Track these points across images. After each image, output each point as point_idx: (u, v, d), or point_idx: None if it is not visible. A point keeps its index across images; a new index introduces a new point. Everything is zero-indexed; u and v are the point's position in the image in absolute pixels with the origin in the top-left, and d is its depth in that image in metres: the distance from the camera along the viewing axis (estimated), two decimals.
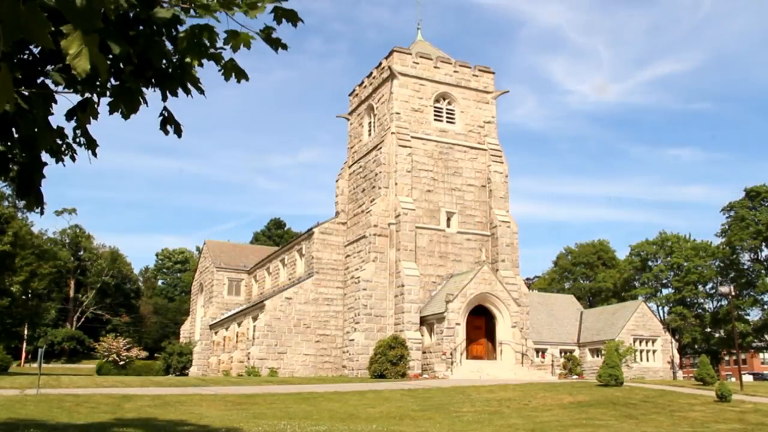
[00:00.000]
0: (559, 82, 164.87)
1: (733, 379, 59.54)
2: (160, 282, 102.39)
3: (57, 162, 3.87)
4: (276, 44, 3.68)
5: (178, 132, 4.03)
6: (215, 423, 15.89)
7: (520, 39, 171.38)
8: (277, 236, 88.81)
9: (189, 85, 3.78)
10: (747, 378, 56.54)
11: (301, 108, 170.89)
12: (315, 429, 15.01)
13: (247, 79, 3.90)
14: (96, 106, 3.59)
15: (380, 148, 40.57)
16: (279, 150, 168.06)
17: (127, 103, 3.51)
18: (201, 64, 3.67)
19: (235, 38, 3.46)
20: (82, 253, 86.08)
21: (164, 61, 3.48)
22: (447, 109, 42.80)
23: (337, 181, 46.43)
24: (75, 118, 3.56)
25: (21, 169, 3.49)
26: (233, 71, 3.82)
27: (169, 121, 3.94)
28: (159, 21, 3.15)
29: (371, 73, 44.75)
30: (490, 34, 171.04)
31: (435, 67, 42.69)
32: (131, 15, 3.10)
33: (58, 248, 77.03)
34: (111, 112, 3.58)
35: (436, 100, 42.48)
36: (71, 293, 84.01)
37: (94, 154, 3.80)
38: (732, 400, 23.04)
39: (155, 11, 3.12)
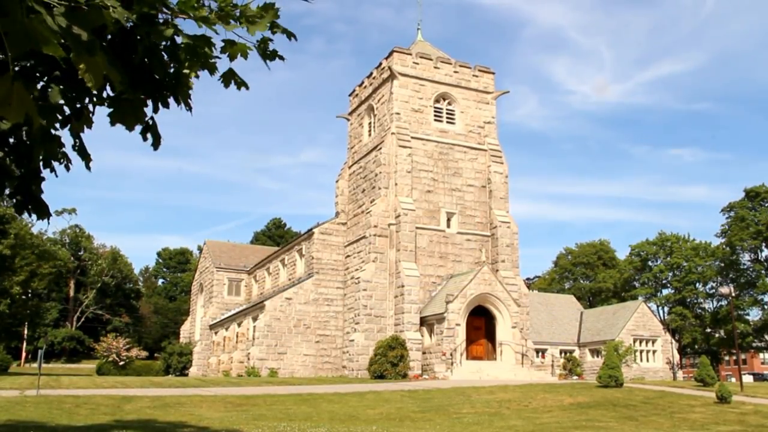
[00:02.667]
0: (561, 83, 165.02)
1: (733, 380, 59.54)
2: (160, 282, 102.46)
3: (50, 171, 3.84)
4: (272, 57, 3.67)
5: (156, 144, 3.94)
6: (215, 425, 15.88)
7: (522, 39, 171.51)
8: (277, 236, 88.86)
9: (179, 97, 3.76)
10: (747, 378, 56.53)
11: (303, 108, 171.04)
12: (315, 431, 15.01)
13: (247, 87, 3.88)
14: (91, 114, 3.57)
15: (380, 148, 40.55)
16: (280, 150, 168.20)
17: (131, 115, 3.49)
18: (197, 75, 3.67)
19: (232, 47, 3.45)
20: (82, 253, 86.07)
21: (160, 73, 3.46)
22: (447, 109, 42.78)
23: (337, 181, 46.42)
24: (69, 126, 3.55)
25: (19, 182, 3.47)
26: (232, 79, 3.81)
27: (150, 130, 3.88)
28: (159, 35, 3.15)
29: (371, 74, 44.74)
30: (491, 34, 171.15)
31: (435, 68, 42.67)
32: (130, 26, 3.09)
33: (57, 248, 76.98)
34: (112, 123, 3.56)
35: (436, 101, 42.46)
36: (71, 293, 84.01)
37: (88, 167, 3.77)
38: (732, 402, 23.02)
39: (157, 27, 3.11)
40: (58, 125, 3.49)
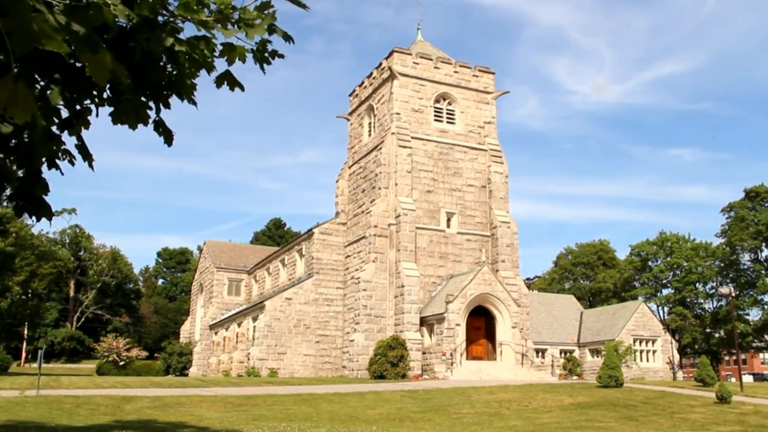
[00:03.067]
0: (561, 83, 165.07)
1: (733, 380, 59.54)
2: (160, 282, 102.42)
3: (56, 169, 3.83)
4: (269, 59, 3.64)
5: (168, 140, 3.96)
6: (215, 425, 15.89)
7: (523, 39, 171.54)
8: (277, 236, 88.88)
9: (183, 95, 3.75)
10: (747, 378, 56.56)
11: (303, 108, 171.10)
12: (315, 431, 15.01)
13: (242, 89, 3.86)
14: (90, 115, 3.57)
15: (380, 148, 40.55)
16: (281, 150, 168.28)
17: (132, 115, 3.49)
18: (197, 75, 3.66)
19: (231, 51, 3.43)
20: (82, 253, 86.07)
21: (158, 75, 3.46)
22: (447, 109, 42.77)
23: (337, 181, 46.42)
24: (69, 127, 3.54)
25: (20, 184, 3.45)
26: (225, 79, 3.79)
27: (160, 127, 3.89)
28: (159, 40, 3.14)
29: (371, 74, 44.73)
30: (492, 34, 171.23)
31: (435, 68, 42.66)
32: (130, 27, 3.08)
33: (57, 248, 77.00)
34: (114, 122, 3.56)
35: (436, 101, 42.46)
36: (71, 293, 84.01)
37: (91, 167, 3.77)
38: (732, 402, 23.02)
39: (157, 32, 3.11)
40: (55, 128, 3.48)
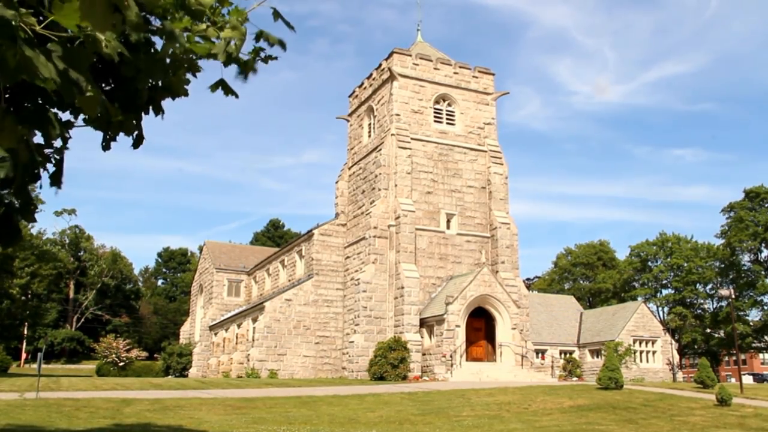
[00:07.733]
0: (564, 83, 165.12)
1: (733, 380, 59.61)
2: (160, 282, 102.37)
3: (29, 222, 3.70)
4: (248, 69, 3.58)
5: (137, 143, 3.79)
6: (214, 428, 15.87)
7: (526, 40, 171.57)
8: (277, 237, 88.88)
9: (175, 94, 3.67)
10: (747, 378, 56.58)
11: (306, 109, 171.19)
12: None
13: (236, 96, 3.80)
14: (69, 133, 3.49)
15: (380, 149, 40.51)
16: (283, 150, 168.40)
17: (116, 129, 3.44)
18: (188, 81, 3.60)
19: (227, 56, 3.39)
20: (82, 253, 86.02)
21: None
22: (447, 110, 42.73)
23: (336, 182, 46.36)
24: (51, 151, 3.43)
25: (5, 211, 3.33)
26: (220, 86, 3.74)
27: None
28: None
29: (371, 75, 44.68)
30: (495, 35, 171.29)
31: (435, 69, 42.62)
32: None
33: (57, 249, 76.94)
34: (106, 147, 3.52)
35: (436, 102, 42.42)
36: (71, 294, 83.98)
37: (58, 188, 3.58)
38: (732, 404, 22.99)
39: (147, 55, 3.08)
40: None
